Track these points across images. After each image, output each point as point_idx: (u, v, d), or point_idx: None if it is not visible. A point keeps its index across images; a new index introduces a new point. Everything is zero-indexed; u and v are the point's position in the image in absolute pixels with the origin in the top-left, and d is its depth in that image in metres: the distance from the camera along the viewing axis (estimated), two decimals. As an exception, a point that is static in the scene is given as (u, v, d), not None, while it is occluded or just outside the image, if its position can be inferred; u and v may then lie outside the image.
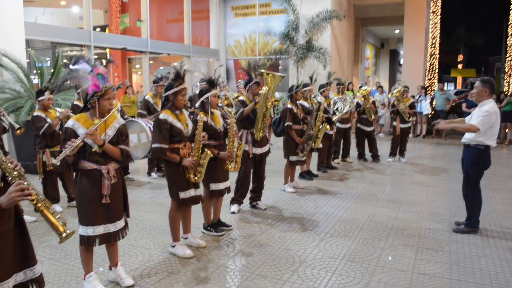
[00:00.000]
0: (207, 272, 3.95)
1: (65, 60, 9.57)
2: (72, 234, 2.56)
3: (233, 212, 5.63)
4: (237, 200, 5.70)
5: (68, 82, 3.32)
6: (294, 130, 6.57)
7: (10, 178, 2.29)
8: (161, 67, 18.48)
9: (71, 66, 3.29)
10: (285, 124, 6.55)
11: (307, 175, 7.72)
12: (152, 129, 6.26)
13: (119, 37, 14.05)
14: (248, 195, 5.85)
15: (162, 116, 4.01)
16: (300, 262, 4.16)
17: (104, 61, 3.50)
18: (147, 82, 13.66)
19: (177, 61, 16.72)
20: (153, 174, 7.86)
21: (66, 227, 2.57)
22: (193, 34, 15.81)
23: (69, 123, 3.35)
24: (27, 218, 5.64)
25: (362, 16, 21.27)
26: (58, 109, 5.71)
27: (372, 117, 9.32)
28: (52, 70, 9.03)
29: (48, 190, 5.68)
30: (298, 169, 7.56)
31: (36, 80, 9.37)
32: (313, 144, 7.09)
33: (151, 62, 14.41)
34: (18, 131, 5.52)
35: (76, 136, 3.27)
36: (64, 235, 2.53)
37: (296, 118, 6.60)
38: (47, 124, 5.43)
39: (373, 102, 9.49)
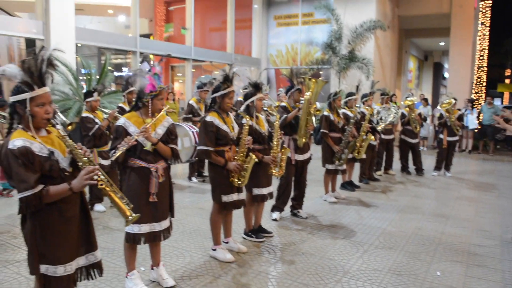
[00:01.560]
0: (248, 277, 3.90)
1: (109, 67, 9.84)
2: (136, 217, 2.64)
3: (274, 219, 5.56)
4: (278, 207, 5.64)
5: (134, 78, 3.39)
6: (331, 137, 6.45)
7: (81, 164, 2.40)
8: (203, 76, 18.76)
9: (140, 65, 3.39)
10: (321, 131, 6.45)
11: (348, 185, 7.56)
12: (195, 134, 6.33)
13: (164, 44, 14.36)
14: (289, 203, 5.77)
15: (208, 118, 4.01)
16: (344, 272, 4.04)
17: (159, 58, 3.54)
18: (189, 89, 13.88)
19: (219, 69, 16.99)
20: (193, 178, 7.91)
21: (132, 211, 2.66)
22: (235, 43, 15.96)
23: (120, 121, 3.40)
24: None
25: (406, 28, 20.87)
26: (105, 110, 5.84)
27: (418, 129, 9.05)
28: (99, 75, 9.35)
29: (93, 189, 5.80)
30: (339, 179, 7.42)
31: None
32: (356, 154, 6.94)
33: (193, 70, 14.62)
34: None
35: (127, 134, 3.31)
36: (130, 218, 2.60)
37: (333, 126, 6.48)
38: (96, 126, 5.56)
39: (419, 114, 9.22)
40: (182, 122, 7.37)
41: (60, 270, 2.47)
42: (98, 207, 5.87)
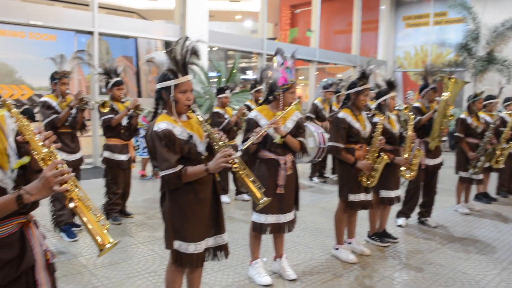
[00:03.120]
0: (372, 280, 3.75)
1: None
2: (268, 201, 2.71)
3: (400, 226, 5.29)
4: (404, 213, 5.35)
5: (266, 72, 3.49)
6: (467, 143, 5.92)
7: (217, 147, 2.53)
8: (325, 79, 18.70)
9: (274, 57, 3.49)
10: (455, 135, 5.95)
11: (483, 197, 6.88)
12: (320, 134, 6.30)
13: (289, 45, 14.60)
14: (417, 209, 5.44)
15: (341, 115, 3.96)
16: (479, 288, 3.68)
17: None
18: (312, 90, 13.92)
19: (342, 72, 16.77)
20: (314, 178, 7.91)
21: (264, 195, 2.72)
22: (361, 45, 15.62)
23: (252, 114, 3.52)
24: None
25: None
26: (234, 107, 6.11)
27: None
28: (227, 76, 9.85)
29: (220, 180, 6.09)
30: (474, 190, 6.79)
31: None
32: (495, 163, 6.29)
33: (317, 72, 14.63)
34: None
35: (258, 126, 3.41)
36: (261, 201, 2.67)
37: (470, 130, 5.94)
38: (226, 120, 5.84)
39: None
40: (305, 121, 7.40)
41: (191, 248, 2.60)
42: (224, 198, 6.15)
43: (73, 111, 4.51)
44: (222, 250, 2.79)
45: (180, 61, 2.53)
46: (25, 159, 1.62)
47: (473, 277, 3.92)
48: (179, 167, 2.47)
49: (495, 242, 4.91)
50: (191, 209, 2.60)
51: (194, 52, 2.60)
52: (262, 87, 6.51)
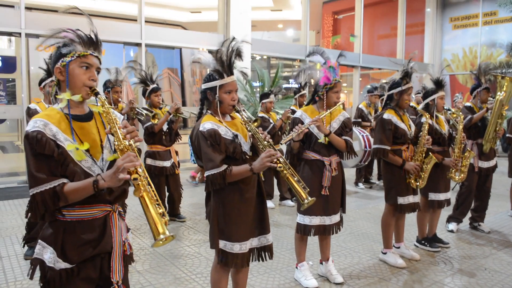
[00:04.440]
0: (422, 285, 3.63)
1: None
2: (312, 201, 2.65)
3: (451, 231, 5.09)
4: (456, 217, 5.15)
5: (304, 72, 3.49)
6: (523, 145, 5.65)
7: (261, 147, 2.53)
8: (368, 85, 18.41)
9: (307, 58, 3.48)
10: (507, 136, 5.67)
11: (541, 202, 6.52)
12: (365, 138, 6.21)
13: (332, 51, 14.49)
14: (469, 214, 5.23)
15: (386, 116, 3.88)
16: (539, 295, 3.48)
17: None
18: (356, 96, 13.73)
19: (386, 78, 16.42)
20: (360, 184, 7.77)
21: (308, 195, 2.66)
22: (405, 48, 15.28)
23: (297, 114, 3.52)
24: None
25: None
26: (279, 111, 6.12)
27: None
28: (272, 82, 9.90)
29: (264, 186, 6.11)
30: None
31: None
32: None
33: (360, 79, 14.41)
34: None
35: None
36: (306, 201, 2.62)
37: None
38: (271, 125, 5.87)
39: None
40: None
41: (236, 247, 2.60)
42: (268, 203, 6.14)
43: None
44: (266, 250, 2.77)
45: (226, 61, 2.57)
46: (119, 154, 1.75)
47: (532, 283, 3.72)
48: (224, 166, 2.49)
49: (556, 248, 4.64)
50: (236, 209, 2.61)
51: (239, 54, 2.64)
52: (305, 91, 6.51)
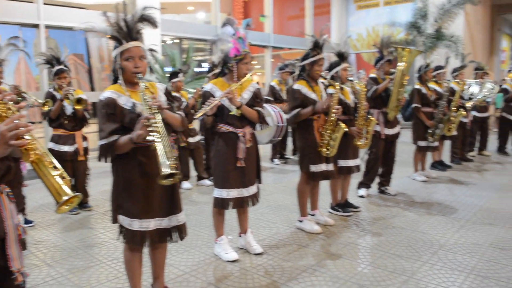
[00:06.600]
0: (337, 247, 3.80)
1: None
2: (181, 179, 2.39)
3: (362, 196, 5.38)
4: (365, 183, 5.44)
5: (216, 44, 3.42)
6: (423, 112, 6.10)
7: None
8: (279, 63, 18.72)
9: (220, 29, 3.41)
10: (413, 106, 6.10)
11: (439, 165, 7.12)
12: (278, 114, 6.29)
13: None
14: (377, 180, 5.55)
15: (296, 86, 3.96)
16: (440, 245, 3.79)
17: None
18: (269, 77, 13.92)
19: (298, 58, 16.84)
20: (275, 160, 7.93)
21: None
22: (314, 29, 15.74)
23: (207, 87, 3.46)
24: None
25: (498, 3, 19.21)
26: (190, 90, 6.01)
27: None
28: (183, 62, 9.69)
29: (181, 167, 6.00)
30: (429, 159, 7.02)
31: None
32: (447, 131, 6.49)
33: (272, 60, 14.61)
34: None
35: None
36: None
37: (425, 100, 6.13)
38: (184, 104, 5.74)
39: None
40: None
41: (135, 224, 2.49)
42: (185, 184, 6.07)
43: None
44: (178, 231, 2.64)
45: (124, 27, 2.43)
46: None
47: (433, 235, 4.04)
48: (113, 137, 2.37)
49: (452, 203, 5.09)
50: (135, 184, 2.47)
51: (144, 18, 2.51)
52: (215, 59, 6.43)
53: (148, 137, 2.20)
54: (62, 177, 1.47)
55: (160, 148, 2.17)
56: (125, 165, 2.46)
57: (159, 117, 2.25)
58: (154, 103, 2.29)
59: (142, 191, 2.47)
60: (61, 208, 1.44)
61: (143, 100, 2.31)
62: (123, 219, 2.53)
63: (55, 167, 1.48)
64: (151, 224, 2.53)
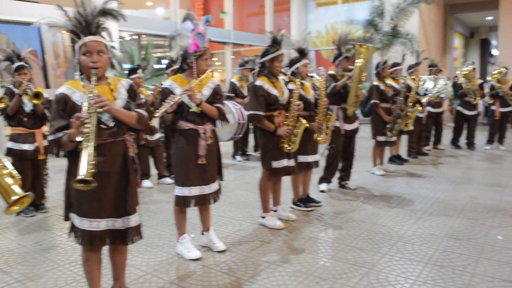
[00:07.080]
0: (299, 242, 3.84)
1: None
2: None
3: (322, 191, 5.46)
4: (326, 178, 5.52)
5: (175, 40, 3.36)
6: (382, 108, 6.26)
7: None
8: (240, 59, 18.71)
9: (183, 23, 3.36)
10: (371, 102, 6.25)
11: (396, 159, 7.33)
12: (239, 111, 6.29)
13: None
14: (337, 174, 5.64)
15: (258, 83, 3.95)
16: (398, 237, 3.90)
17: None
18: (229, 74, 13.88)
19: (258, 54, 16.90)
20: (237, 157, 7.92)
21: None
22: (274, 26, 15.81)
23: (166, 83, 3.40)
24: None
25: (450, 3, 19.96)
26: (149, 86, 5.90)
27: (476, 100, 8.50)
28: (142, 57, 9.51)
29: (140, 165, 5.88)
30: (387, 154, 7.21)
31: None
32: (404, 126, 6.68)
33: (233, 56, 14.58)
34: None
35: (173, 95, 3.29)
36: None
37: (383, 96, 6.29)
38: (143, 101, 5.62)
39: (481, 85, 8.59)
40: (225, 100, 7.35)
41: (85, 224, 2.42)
42: (146, 183, 5.96)
43: None
44: (132, 233, 2.54)
45: (83, 21, 2.36)
46: None
47: (392, 228, 4.15)
48: (59, 134, 2.33)
49: (410, 196, 5.25)
50: None
51: (106, 12, 2.44)
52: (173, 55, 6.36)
53: (77, 138, 2.17)
54: (12, 176, 1.39)
55: (84, 151, 2.14)
56: (76, 162, 2.33)
57: (94, 118, 2.21)
58: (96, 102, 2.23)
59: (93, 190, 2.30)
60: (11, 208, 1.37)
61: (88, 98, 2.25)
62: (73, 217, 2.48)
63: (4, 166, 1.40)
64: (102, 224, 2.45)
